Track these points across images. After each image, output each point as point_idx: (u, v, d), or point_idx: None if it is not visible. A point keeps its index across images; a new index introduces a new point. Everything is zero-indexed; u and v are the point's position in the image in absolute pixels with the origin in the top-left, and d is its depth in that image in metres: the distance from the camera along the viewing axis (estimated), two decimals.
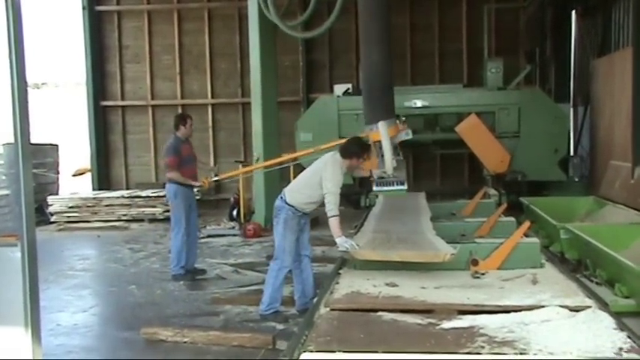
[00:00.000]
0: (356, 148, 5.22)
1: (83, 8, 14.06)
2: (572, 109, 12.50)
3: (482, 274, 5.00)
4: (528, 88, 11.30)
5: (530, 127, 10.57)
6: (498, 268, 5.11)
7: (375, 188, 5.63)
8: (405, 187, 5.49)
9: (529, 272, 4.94)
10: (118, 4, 14.28)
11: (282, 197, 5.28)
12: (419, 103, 10.94)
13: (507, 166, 10.35)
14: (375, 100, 6.22)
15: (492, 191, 10.00)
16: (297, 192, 5.25)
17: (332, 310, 4.15)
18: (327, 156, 5.30)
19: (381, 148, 6.19)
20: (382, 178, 5.63)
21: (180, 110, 14.09)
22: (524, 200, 9.01)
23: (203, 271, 7.14)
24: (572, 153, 12.06)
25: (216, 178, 7.51)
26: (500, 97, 10.77)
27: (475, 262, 5.14)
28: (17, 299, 3.26)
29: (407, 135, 6.58)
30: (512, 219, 6.60)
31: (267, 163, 9.03)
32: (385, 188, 5.49)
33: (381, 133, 5.76)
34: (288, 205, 5.22)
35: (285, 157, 8.90)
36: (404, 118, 6.64)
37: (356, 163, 5.23)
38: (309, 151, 8.84)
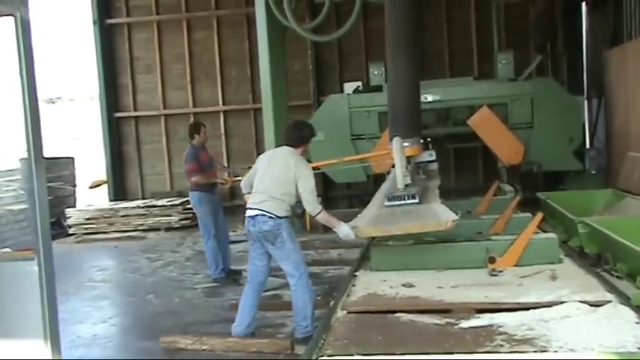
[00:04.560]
0: (302, 132, 5.04)
1: (94, 22, 14.20)
2: (586, 102, 12.39)
3: (500, 271, 4.97)
4: (540, 78, 11.23)
5: (543, 117, 10.47)
6: (516, 265, 5.07)
7: (386, 203, 5.56)
8: (417, 200, 5.39)
9: (548, 268, 4.89)
10: (127, 16, 14.39)
11: (269, 216, 4.72)
12: (430, 98, 10.89)
13: (522, 157, 10.27)
14: (399, 120, 6.24)
15: (507, 187, 9.93)
16: (280, 200, 4.78)
17: (349, 312, 4.14)
18: (285, 152, 4.93)
19: (409, 163, 6.18)
20: (393, 194, 5.56)
21: (192, 118, 14.15)
22: (540, 195, 8.94)
23: (239, 272, 7.18)
24: (588, 145, 11.95)
25: (239, 178, 7.60)
26: (512, 88, 10.69)
27: (492, 260, 5.10)
28: (36, 312, 3.30)
29: (430, 156, 6.60)
30: (528, 214, 6.55)
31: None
32: (397, 203, 5.44)
33: (395, 148, 5.73)
34: (283, 218, 4.79)
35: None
36: (429, 140, 6.65)
37: (306, 148, 5.04)
38: (332, 162, 8.87)
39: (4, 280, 3.31)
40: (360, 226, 5.12)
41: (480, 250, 5.21)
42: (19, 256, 3.37)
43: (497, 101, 10.62)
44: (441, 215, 4.98)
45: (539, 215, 5.51)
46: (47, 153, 14.49)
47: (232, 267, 7.29)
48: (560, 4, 12.10)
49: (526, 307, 3.89)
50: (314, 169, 9.11)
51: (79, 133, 24.82)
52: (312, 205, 4.76)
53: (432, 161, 6.93)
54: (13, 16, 3.22)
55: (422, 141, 6.63)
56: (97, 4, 14.15)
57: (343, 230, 4.88)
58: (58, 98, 27.71)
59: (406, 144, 6.14)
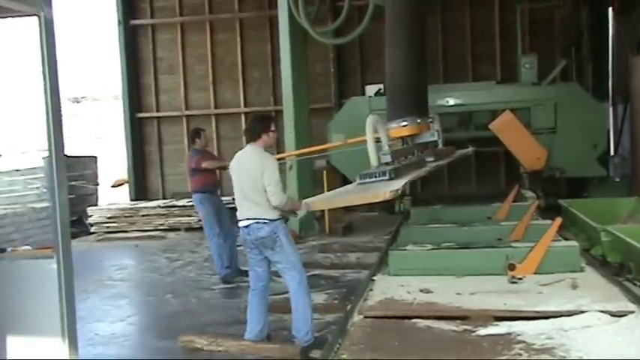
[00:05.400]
0: (259, 125, 4.82)
1: (118, 23, 14.36)
2: (611, 108, 12.21)
3: (520, 278, 4.92)
4: (564, 83, 11.10)
5: (567, 123, 10.36)
6: (536, 273, 5.01)
7: (358, 181, 5.39)
8: (387, 177, 5.16)
9: (568, 277, 4.84)
10: (152, 17, 14.52)
11: (263, 222, 4.58)
12: (451, 102, 10.82)
13: (544, 162, 10.18)
14: (396, 99, 6.21)
15: (529, 193, 9.83)
16: (265, 202, 4.59)
17: (366, 317, 4.13)
18: (247, 151, 4.75)
19: (406, 143, 6.13)
20: (365, 172, 5.44)
21: (214, 119, 14.27)
22: (562, 202, 8.82)
23: (247, 273, 7.19)
24: (612, 152, 11.78)
25: None
26: (535, 93, 10.60)
27: (512, 267, 5.06)
28: (55, 310, 3.32)
29: (432, 136, 6.48)
30: (550, 221, 6.46)
31: (298, 152, 9.20)
32: (368, 180, 5.30)
33: (367, 125, 5.61)
34: (277, 220, 4.64)
35: (315, 147, 9.00)
36: (430, 120, 6.54)
37: (268, 139, 4.76)
38: (338, 144, 8.90)
39: (25, 278, 3.35)
40: (314, 200, 5.22)
41: (500, 257, 5.17)
42: (39, 254, 3.40)
43: (519, 105, 10.54)
44: (383, 188, 4.84)
45: (558, 220, 5.44)
46: (71, 152, 14.66)
47: (241, 267, 7.29)
48: (586, 9, 11.96)
49: (545, 316, 3.85)
50: (322, 151, 9.19)
51: (103, 133, 25.09)
52: (277, 196, 4.54)
53: (434, 141, 6.70)
54: (37, 16, 3.26)
55: (429, 120, 6.52)
56: (121, 5, 14.32)
57: (303, 207, 4.89)
58: (82, 97, 28.04)
59: (404, 123, 6.09)
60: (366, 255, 8.02)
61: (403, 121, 6.20)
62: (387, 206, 11.75)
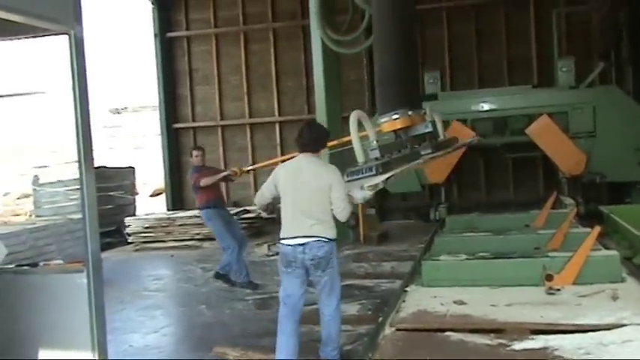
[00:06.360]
0: (323, 134, 4.55)
1: (155, 35, 14.62)
2: None
3: (558, 289, 4.78)
4: (603, 86, 10.84)
5: (607, 126, 10.12)
6: (575, 283, 4.87)
7: (346, 179, 5.24)
8: (374, 172, 4.92)
9: (609, 287, 4.69)
10: (187, 29, 14.74)
11: (324, 240, 4.27)
12: (486, 107, 10.66)
13: (584, 167, 9.95)
14: (386, 91, 6.12)
15: (568, 200, 9.60)
16: (328, 220, 4.32)
17: (397, 330, 4.06)
18: (309, 162, 4.39)
19: (399, 137, 5.99)
20: (352, 169, 5.18)
21: (248, 129, 14.36)
22: (604, 209, 8.58)
23: (257, 286, 7.41)
24: None
25: (249, 168, 8.09)
26: (573, 97, 10.38)
27: (549, 277, 4.92)
28: (85, 324, 3.35)
29: (426, 127, 6.29)
30: (588, 229, 6.28)
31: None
32: (354, 177, 5.01)
33: (350, 121, 5.35)
34: (334, 240, 4.36)
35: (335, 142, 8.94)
36: (423, 111, 6.36)
37: (324, 150, 4.63)
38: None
39: (56, 292, 3.39)
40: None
41: (537, 267, 5.04)
42: (70, 269, 3.44)
43: (557, 110, 10.34)
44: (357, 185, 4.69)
45: (597, 229, 5.29)
46: (112, 162, 14.94)
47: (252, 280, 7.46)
48: (625, 10, 11.64)
49: (584, 330, 3.73)
50: (343, 144, 9.10)
51: (142, 143, 25.57)
52: (347, 212, 4.31)
53: (430, 132, 6.39)
54: (67, 34, 3.31)
55: (422, 111, 6.32)
56: (158, 18, 14.58)
57: (361, 193, 4.58)
58: (123, 108, 28.64)
59: (395, 116, 5.95)
60: (401, 264, 7.92)
61: (394, 114, 6.03)
62: (422, 214, 11.65)
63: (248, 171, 7.94)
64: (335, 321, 4.44)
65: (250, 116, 14.46)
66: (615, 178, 10.26)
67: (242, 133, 14.36)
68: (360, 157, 5.21)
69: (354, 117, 5.32)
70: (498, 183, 12.96)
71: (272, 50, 14.20)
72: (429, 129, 6.24)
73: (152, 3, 14.51)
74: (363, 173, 4.95)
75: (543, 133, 10.00)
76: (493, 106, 10.66)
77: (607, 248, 5.99)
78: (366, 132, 5.57)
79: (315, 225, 4.25)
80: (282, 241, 4.38)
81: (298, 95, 14.10)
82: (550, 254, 5.39)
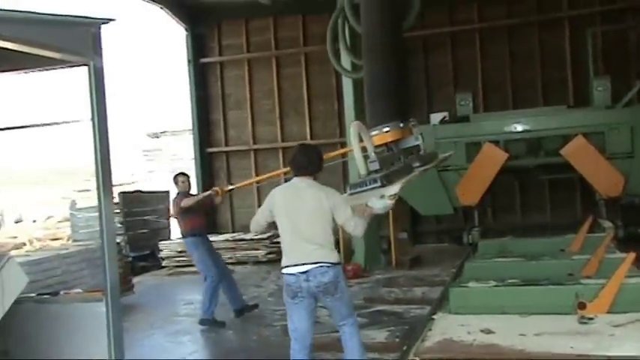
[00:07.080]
0: (319, 157, 4.45)
1: (189, 62, 14.87)
2: None
3: (591, 318, 4.60)
4: None
5: None
6: (609, 312, 4.68)
7: (349, 192, 5.06)
8: (379, 184, 4.80)
9: None
10: (220, 55, 14.95)
11: (327, 265, 4.17)
12: (519, 128, 10.48)
13: (621, 188, 9.66)
14: (376, 103, 6.04)
15: (607, 223, 9.32)
16: (330, 244, 4.26)
17: None
18: (306, 185, 4.32)
19: (391, 149, 5.91)
20: (355, 182, 5.16)
21: (281, 153, 14.41)
22: None
23: (256, 306, 7.53)
24: None
25: (231, 187, 8.22)
26: (609, 117, 10.11)
27: (582, 306, 4.75)
28: (104, 352, 3.37)
29: (417, 140, 6.16)
30: (625, 255, 6.06)
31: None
32: (358, 190, 4.94)
33: (351, 133, 5.32)
34: (338, 264, 4.30)
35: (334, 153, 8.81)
36: (412, 123, 6.24)
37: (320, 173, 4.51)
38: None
39: (75, 321, 3.42)
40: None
41: (569, 294, 4.87)
42: (89, 297, 3.47)
43: (592, 130, 10.09)
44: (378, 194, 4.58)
45: (631, 256, 5.08)
46: (150, 186, 15.18)
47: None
48: None
49: None
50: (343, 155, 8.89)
51: (180, 166, 25.93)
52: (359, 227, 4.25)
53: (417, 145, 6.25)
54: (86, 65, 3.37)
55: (412, 124, 6.17)
56: (191, 44, 14.83)
57: (380, 202, 4.47)
58: (162, 132, 29.16)
59: (386, 129, 5.85)
60: (432, 289, 7.79)
61: (385, 126, 5.91)
62: (456, 237, 11.44)
63: (229, 190, 7.94)
64: (356, 340, 4.36)
65: (282, 140, 14.53)
66: None
67: (274, 156, 14.42)
68: (362, 169, 5.16)
69: (355, 128, 5.28)
70: (534, 205, 12.68)
71: (304, 74, 14.28)
72: (420, 141, 6.16)
73: (186, 30, 14.79)
74: (367, 185, 4.89)
75: (578, 153, 9.78)
76: (526, 127, 10.47)
77: None
78: (343, 150, 5.59)
79: (317, 250, 4.17)
80: (283, 270, 4.29)
81: (330, 118, 14.11)
82: (583, 281, 5.21)
